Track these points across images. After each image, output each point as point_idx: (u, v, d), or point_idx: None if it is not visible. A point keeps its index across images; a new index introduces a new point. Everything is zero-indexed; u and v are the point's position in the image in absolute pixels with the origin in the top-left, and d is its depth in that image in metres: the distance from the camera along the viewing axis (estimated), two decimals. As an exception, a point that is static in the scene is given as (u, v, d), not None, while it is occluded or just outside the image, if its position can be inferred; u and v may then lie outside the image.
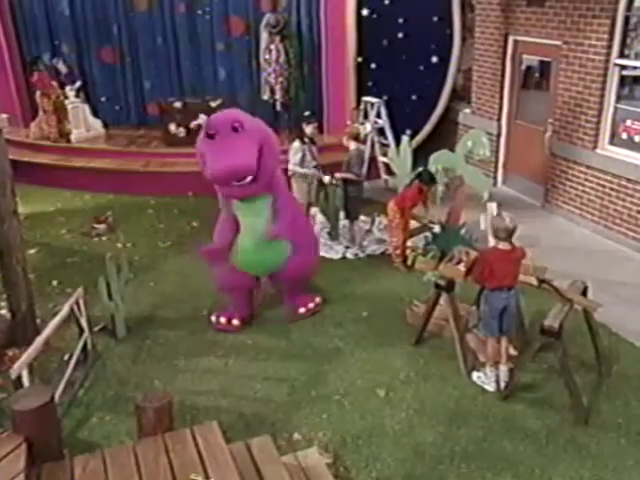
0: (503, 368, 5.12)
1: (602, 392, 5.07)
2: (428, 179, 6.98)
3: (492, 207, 7.24)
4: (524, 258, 4.94)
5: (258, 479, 3.67)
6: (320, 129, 10.54)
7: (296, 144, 7.45)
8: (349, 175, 7.33)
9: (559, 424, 4.73)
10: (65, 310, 5.14)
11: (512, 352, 5.39)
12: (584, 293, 5.09)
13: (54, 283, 7.01)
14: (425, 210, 7.22)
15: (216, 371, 5.46)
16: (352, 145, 7.43)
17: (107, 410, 4.95)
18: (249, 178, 5.12)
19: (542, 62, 8.98)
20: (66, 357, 5.44)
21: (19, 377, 4.38)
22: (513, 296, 4.92)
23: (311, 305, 6.27)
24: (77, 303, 5.41)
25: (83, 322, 5.50)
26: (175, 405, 4.71)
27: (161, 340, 5.94)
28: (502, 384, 5.06)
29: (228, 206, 5.63)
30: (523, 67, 9.21)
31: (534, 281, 5.12)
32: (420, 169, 7.13)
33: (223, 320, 6.06)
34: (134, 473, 3.44)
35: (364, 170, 7.52)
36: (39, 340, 4.68)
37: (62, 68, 10.90)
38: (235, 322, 6.06)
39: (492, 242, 4.85)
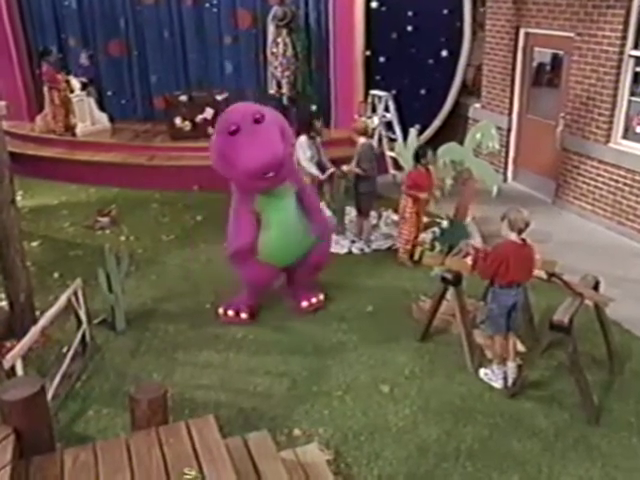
0: (511, 365, 4.96)
1: (613, 390, 4.91)
2: (423, 153, 6.83)
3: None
4: (535, 255, 4.78)
5: (254, 475, 3.55)
6: (327, 124, 10.49)
7: (304, 139, 7.32)
8: (357, 170, 7.19)
9: (568, 423, 4.57)
10: (62, 300, 5.03)
11: (520, 348, 5.25)
12: (595, 288, 4.93)
13: (55, 275, 6.92)
14: (433, 199, 7.04)
15: (216, 365, 5.34)
16: (361, 140, 7.28)
17: (104, 403, 4.85)
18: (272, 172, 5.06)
19: (554, 55, 8.80)
20: (65, 349, 5.34)
21: (13, 367, 4.26)
22: (522, 292, 4.76)
23: (314, 300, 6.15)
24: (75, 294, 5.31)
25: (82, 314, 5.39)
26: (173, 399, 4.67)
27: (161, 333, 5.84)
28: (510, 381, 4.91)
29: (248, 202, 5.47)
30: (535, 62, 9.03)
31: (543, 275, 4.97)
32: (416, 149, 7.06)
33: (231, 313, 5.95)
34: (126, 467, 3.32)
35: (374, 165, 7.36)
36: (34, 330, 4.58)
37: (84, 61, 10.84)
38: (244, 315, 5.95)
39: (507, 234, 4.64)
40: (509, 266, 4.57)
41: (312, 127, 7.38)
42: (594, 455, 4.27)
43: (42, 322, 4.72)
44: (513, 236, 4.62)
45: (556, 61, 8.76)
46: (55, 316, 4.91)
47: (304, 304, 6.07)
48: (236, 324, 5.90)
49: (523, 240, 4.64)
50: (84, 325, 5.41)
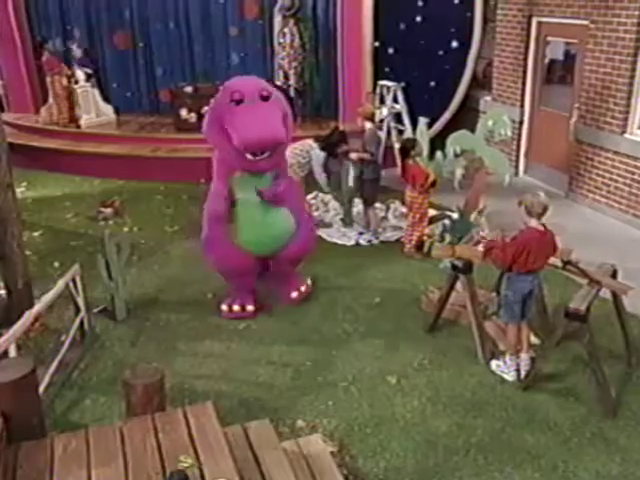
0: (524, 356, 4.76)
1: (632, 383, 4.71)
2: (410, 146, 6.69)
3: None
4: (555, 243, 4.58)
5: (254, 464, 3.37)
6: (335, 116, 10.32)
7: (320, 152, 7.30)
8: (365, 155, 7.01)
9: (585, 416, 4.36)
10: (60, 285, 4.88)
11: (534, 340, 5.04)
12: (613, 277, 4.73)
13: (56, 265, 6.78)
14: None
15: (218, 355, 5.17)
16: (367, 125, 7.11)
17: (101, 392, 4.69)
18: (268, 153, 4.92)
19: (567, 45, 8.60)
20: (63, 337, 5.19)
21: (6, 353, 4.11)
22: (538, 279, 4.56)
23: (303, 289, 5.97)
24: (74, 280, 5.15)
25: (80, 301, 5.24)
26: (173, 388, 4.51)
27: (162, 323, 5.67)
28: (523, 373, 4.71)
29: (227, 180, 5.28)
30: (548, 55, 8.84)
31: (558, 262, 4.76)
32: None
33: (236, 307, 5.70)
34: (119, 454, 3.16)
35: (380, 152, 7.18)
36: (28, 314, 4.42)
37: (76, 52, 10.70)
38: (250, 308, 5.72)
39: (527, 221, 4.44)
40: (529, 254, 4.37)
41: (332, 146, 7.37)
42: (612, 450, 4.06)
43: (38, 307, 4.58)
44: (533, 222, 4.41)
45: (569, 53, 8.56)
46: (52, 301, 4.76)
47: (294, 295, 5.88)
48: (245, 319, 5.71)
49: (544, 226, 4.44)
50: (82, 313, 5.26)
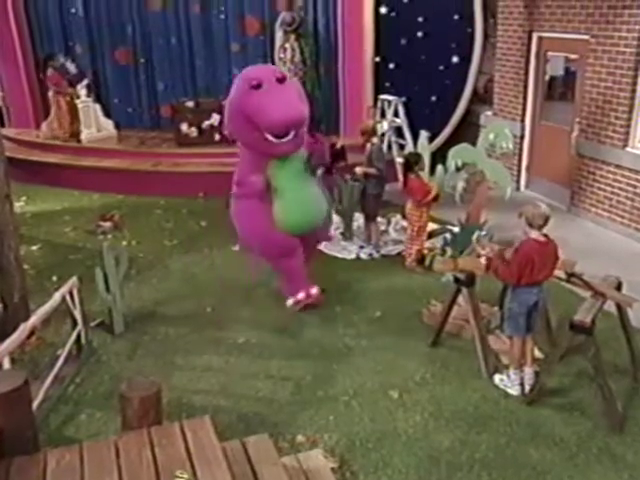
0: (528, 370, 4.68)
1: (638, 398, 4.62)
2: (414, 160, 6.71)
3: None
4: (558, 252, 4.51)
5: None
6: (336, 131, 10.31)
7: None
8: (371, 170, 6.97)
9: (591, 431, 4.27)
10: (57, 297, 4.80)
11: (538, 355, 4.96)
12: (618, 289, 4.66)
13: (54, 279, 6.70)
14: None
15: (216, 369, 5.08)
16: (374, 140, 7.08)
17: (97, 407, 4.60)
18: (292, 134, 5.04)
19: (567, 61, 8.61)
20: (59, 352, 5.11)
21: (0, 365, 4.03)
22: (542, 291, 4.49)
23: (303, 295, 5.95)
24: (71, 293, 5.08)
25: (77, 314, 5.15)
26: (170, 403, 4.43)
27: (160, 337, 5.60)
28: (527, 387, 4.62)
29: (261, 168, 5.38)
30: (549, 69, 8.85)
31: (562, 274, 4.70)
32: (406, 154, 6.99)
33: (301, 295, 5.81)
34: (113, 468, 3.07)
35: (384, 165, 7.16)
36: (24, 326, 4.34)
37: (71, 68, 10.71)
38: (314, 291, 5.86)
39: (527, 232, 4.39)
40: (534, 266, 4.30)
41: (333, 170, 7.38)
42: (619, 466, 3.97)
43: (34, 319, 4.50)
44: (534, 234, 4.35)
45: (570, 69, 8.57)
46: (48, 314, 4.68)
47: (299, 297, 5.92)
48: (306, 304, 5.84)
49: (545, 236, 4.38)
50: (79, 326, 5.17)
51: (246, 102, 4.99)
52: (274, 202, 5.45)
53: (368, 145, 7.10)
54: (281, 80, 5.00)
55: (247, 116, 4.99)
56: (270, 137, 5.00)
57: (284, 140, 5.03)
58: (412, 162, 6.70)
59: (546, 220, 4.32)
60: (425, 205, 6.70)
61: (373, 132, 7.16)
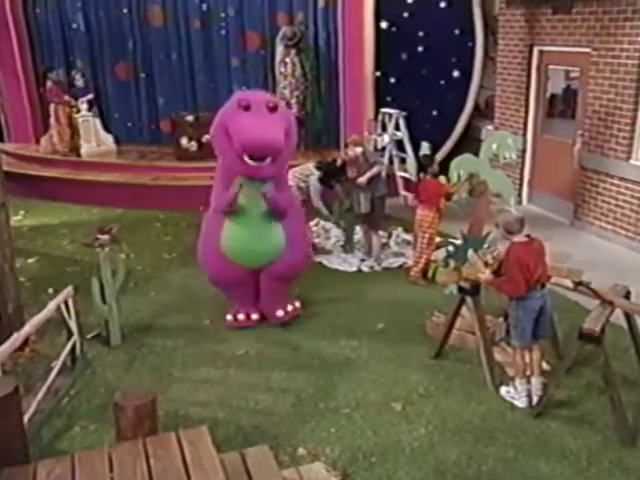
0: (536, 381, 4.55)
1: (649, 410, 4.48)
2: (427, 163, 6.70)
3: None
4: (544, 249, 4.44)
5: (252, 493, 3.15)
6: (337, 145, 10.26)
7: (317, 184, 7.43)
8: (373, 171, 6.89)
9: (601, 444, 4.13)
10: (51, 307, 4.69)
11: (545, 367, 4.83)
12: (627, 298, 4.55)
13: (50, 291, 6.58)
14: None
15: (215, 381, 4.96)
16: (358, 150, 6.98)
17: (91, 420, 4.47)
18: (268, 160, 4.99)
19: (568, 78, 8.59)
20: (53, 364, 4.98)
21: (-9, 375, 3.91)
22: (547, 295, 4.39)
23: (290, 308, 5.84)
24: (66, 303, 4.97)
25: (72, 325, 5.04)
26: (167, 415, 4.29)
27: (157, 349, 5.47)
28: (535, 399, 4.49)
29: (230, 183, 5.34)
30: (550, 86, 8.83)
31: (570, 284, 4.60)
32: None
33: (241, 317, 5.76)
34: (105, 480, 2.93)
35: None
36: (16, 336, 4.22)
37: (79, 81, 10.67)
38: (255, 316, 5.79)
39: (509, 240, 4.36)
40: (529, 266, 4.23)
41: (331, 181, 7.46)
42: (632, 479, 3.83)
43: (27, 327, 4.38)
44: (516, 238, 4.33)
45: (571, 85, 8.55)
46: (41, 323, 4.57)
47: (279, 313, 5.75)
48: (245, 328, 5.72)
49: (528, 236, 4.36)
50: (74, 337, 5.06)
51: (230, 119, 5.02)
52: (227, 224, 5.43)
53: (351, 153, 7.02)
54: (272, 109, 5.01)
55: (227, 133, 5.01)
56: (246, 158, 4.96)
57: (262, 164, 4.97)
58: (426, 165, 6.65)
59: (522, 223, 4.34)
60: (438, 210, 6.59)
61: (359, 144, 7.08)
